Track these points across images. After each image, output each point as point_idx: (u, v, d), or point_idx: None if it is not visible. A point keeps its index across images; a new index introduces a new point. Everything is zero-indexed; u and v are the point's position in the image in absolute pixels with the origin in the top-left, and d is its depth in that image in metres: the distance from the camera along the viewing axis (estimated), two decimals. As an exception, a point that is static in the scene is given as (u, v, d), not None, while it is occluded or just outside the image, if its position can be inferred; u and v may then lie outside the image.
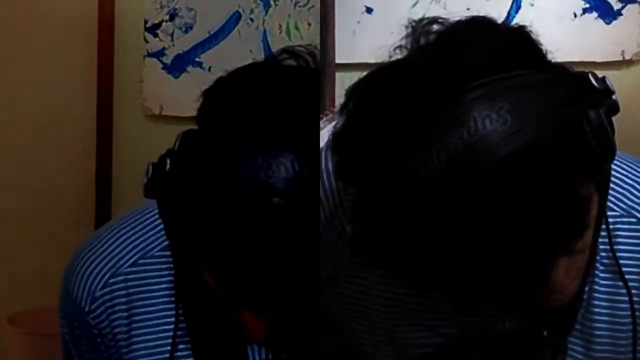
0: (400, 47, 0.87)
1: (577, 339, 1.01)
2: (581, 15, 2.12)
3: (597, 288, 0.99)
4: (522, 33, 0.86)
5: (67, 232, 2.33)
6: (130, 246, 1.02)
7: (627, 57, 2.11)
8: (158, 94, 2.32)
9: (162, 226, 0.96)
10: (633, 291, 0.98)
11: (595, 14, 2.13)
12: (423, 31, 0.86)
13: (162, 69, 2.32)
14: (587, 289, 0.99)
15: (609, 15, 2.11)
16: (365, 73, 0.86)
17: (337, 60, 2.22)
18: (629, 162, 1.02)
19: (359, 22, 2.25)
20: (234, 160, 0.81)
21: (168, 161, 0.88)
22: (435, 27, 0.86)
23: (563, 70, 0.87)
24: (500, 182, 0.76)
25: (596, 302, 0.99)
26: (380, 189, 0.80)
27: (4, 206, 2.34)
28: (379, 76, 0.85)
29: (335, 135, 0.85)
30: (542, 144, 0.77)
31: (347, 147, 0.85)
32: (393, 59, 0.87)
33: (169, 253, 1.00)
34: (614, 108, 0.86)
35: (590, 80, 0.85)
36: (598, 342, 1.00)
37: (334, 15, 2.21)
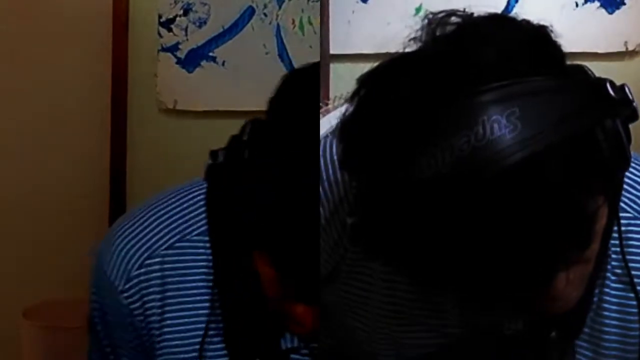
0: (414, 39, 0.86)
1: (585, 342, 1.01)
2: (583, 4, 2.12)
3: (607, 291, 0.99)
4: (542, 34, 0.86)
5: (82, 226, 2.36)
6: (168, 228, 1.02)
7: (630, 48, 2.11)
8: (172, 88, 2.35)
9: (200, 210, 1.01)
10: None
11: (597, 3, 2.13)
12: (440, 23, 0.85)
13: (176, 63, 2.34)
14: (597, 291, 0.99)
15: (611, 4, 2.12)
16: (378, 62, 0.86)
17: (332, 51, 2.21)
18: None
19: (353, 12, 2.24)
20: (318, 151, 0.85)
21: (247, 150, 0.91)
22: (453, 19, 0.85)
23: (581, 75, 0.87)
24: (503, 190, 0.76)
25: (606, 306, 0.99)
26: (381, 184, 0.81)
27: (18, 200, 2.37)
28: (393, 67, 0.85)
29: (343, 122, 0.86)
30: (549, 155, 0.77)
31: (353, 135, 0.85)
32: (407, 49, 0.86)
33: (206, 238, 1.01)
34: (633, 117, 0.86)
35: (607, 89, 0.84)
36: (606, 347, 1.01)
37: (328, 5, 2.20)
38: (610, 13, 2.10)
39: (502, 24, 0.85)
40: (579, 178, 0.79)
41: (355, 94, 0.85)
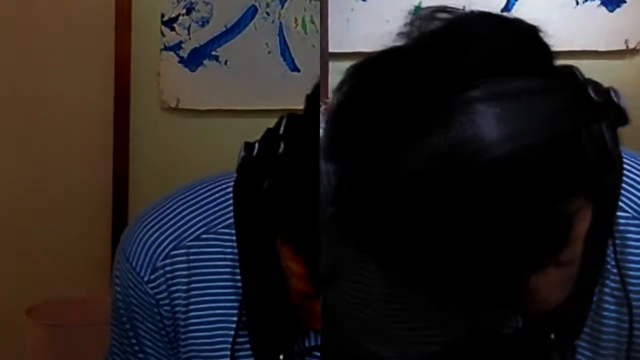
0: (402, 34, 0.85)
1: (585, 343, 1.00)
2: (583, 2, 2.12)
3: (606, 291, 0.98)
4: (531, 34, 0.84)
5: (85, 225, 2.38)
6: (195, 219, 1.01)
7: (631, 46, 2.10)
8: (175, 87, 2.36)
9: (228, 202, 1.00)
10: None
11: (597, 2, 2.12)
12: (429, 18, 0.85)
13: (179, 62, 2.35)
14: (597, 290, 0.98)
15: (612, 2, 2.11)
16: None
17: (331, 49, 2.20)
18: None
19: (352, 10, 2.25)
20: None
21: (282, 144, 0.91)
22: (443, 15, 0.84)
23: (568, 77, 0.86)
24: (475, 188, 0.76)
25: (605, 305, 0.98)
26: (360, 177, 0.81)
27: (22, 199, 2.39)
28: (379, 61, 0.85)
29: (328, 112, 0.85)
30: (524, 156, 0.76)
31: (336, 126, 0.84)
32: (396, 44, 0.85)
33: (233, 231, 1.00)
34: (621, 120, 0.85)
35: (588, 93, 0.83)
36: (605, 347, 1.00)
37: (327, 3, 2.20)
38: (611, 11, 2.09)
39: (491, 22, 0.84)
40: (553, 181, 0.78)
41: (341, 85, 0.85)
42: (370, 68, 0.85)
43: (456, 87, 0.78)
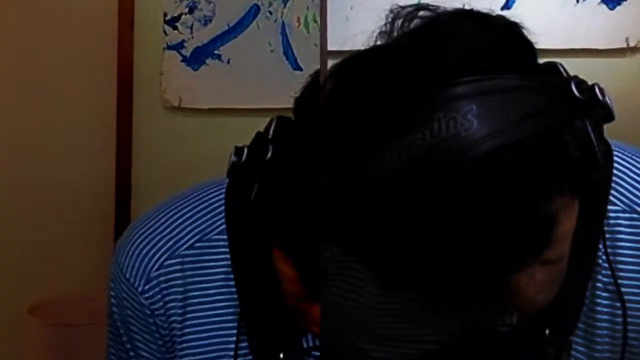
0: (382, 33, 0.86)
1: (580, 339, 1.00)
2: (584, 0, 2.10)
3: (599, 286, 0.98)
4: (513, 31, 0.84)
5: (87, 224, 2.38)
6: (189, 228, 1.02)
7: (632, 45, 2.07)
8: (177, 86, 2.36)
9: (221, 208, 1.01)
10: (634, 290, 0.97)
11: None
12: (409, 17, 0.85)
13: (182, 61, 2.35)
14: (590, 285, 0.98)
15: (612, 0, 2.09)
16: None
17: (330, 48, 2.20)
18: (634, 154, 1.00)
19: (352, 8, 2.25)
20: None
21: (270, 147, 0.91)
22: (422, 13, 0.85)
23: (550, 74, 0.86)
24: (453, 189, 0.76)
25: (598, 300, 0.98)
26: (338, 179, 0.81)
27: (24, 198, 2.39)
28: (360, 60, 0.85)
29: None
30: (504, 155, 0.76)
31: (319, 126, 0.85)
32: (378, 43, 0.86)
33: (225, 237, 1.01)
34: (606, 117, 0.84)
35: (571, 90, 0.83)
36: (599, 342, 1.00)
37: (326, 0, 2.20)
38: (611, 9, 2.08)
39: (472, 20, 0.84)
40: (534, 180, 0.78)
41: (324, 84, 0.86)
42: (351, 68, 0.85)
43: (437, 85, 0.78)
